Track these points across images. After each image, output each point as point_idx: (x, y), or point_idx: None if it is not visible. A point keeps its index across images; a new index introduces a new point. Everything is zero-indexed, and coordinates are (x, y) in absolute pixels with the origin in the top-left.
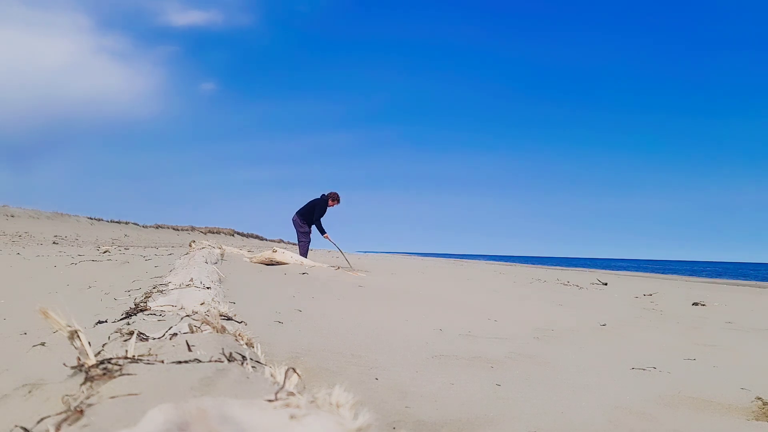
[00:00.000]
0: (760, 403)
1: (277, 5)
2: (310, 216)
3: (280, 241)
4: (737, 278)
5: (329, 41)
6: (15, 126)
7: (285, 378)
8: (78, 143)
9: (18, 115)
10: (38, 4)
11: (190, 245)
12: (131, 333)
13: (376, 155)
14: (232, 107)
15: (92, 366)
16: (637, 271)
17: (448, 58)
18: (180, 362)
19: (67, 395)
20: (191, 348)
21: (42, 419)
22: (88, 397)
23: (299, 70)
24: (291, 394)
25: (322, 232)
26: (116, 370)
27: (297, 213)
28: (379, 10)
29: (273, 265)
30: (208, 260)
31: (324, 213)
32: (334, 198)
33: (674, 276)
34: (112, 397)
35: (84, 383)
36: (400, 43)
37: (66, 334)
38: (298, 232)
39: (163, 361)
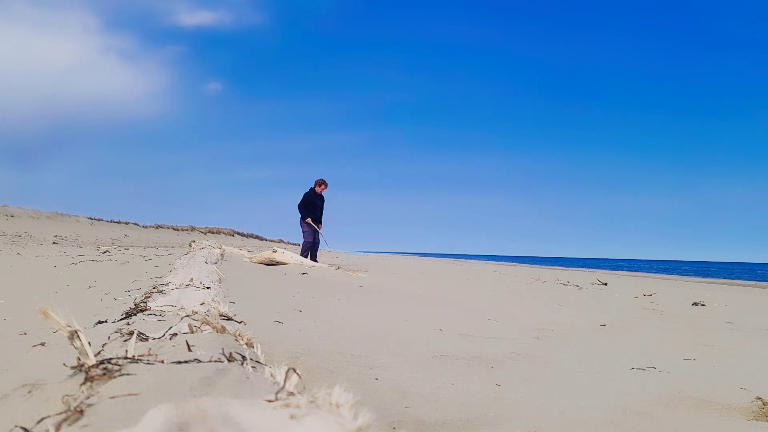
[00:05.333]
0: (760, 403)
1: (285, 5)
2: (311, 212)
3: (280, 241)
4: (736, 278)
5: (336, 41)
6: (21, 126)
7: (285, 378)
8: (82, 143)
9: (24, 114)
10: (46, 4)
11: (190, 245)
12: (131, 333)
13: (376, 156)
14: (236, 107)
15: (92, 366)
16: (637, 271)
17: (451, 58)
18: (180, 362)
19: (67, 395)
20: (191, 348)
21: (42, 419)
22: (88, 397)
23: (304, 69)
24: (291, 394)
25: (304, 217)
26: (116, 370)
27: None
28: (387, 11)
29: (273, 265)
30: (208, 260)
31: (310, 200)
32: (320, 183)
33: (674, 276)
34: (112, 397)
35: (84, 383)
36: (405, 43)
37: (66, 334)
38: (302, 231)
39: (163, 361)
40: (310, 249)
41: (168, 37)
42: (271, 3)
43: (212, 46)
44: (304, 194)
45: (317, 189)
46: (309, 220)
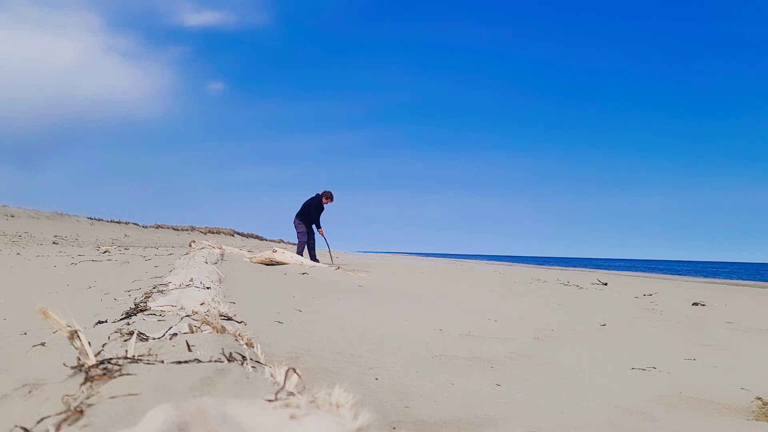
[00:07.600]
0: (760, 403)
1: (289, 6)
2: (306, 215)
3: (280, 241)
4: (736, 278)
5: (338, 42)
6: (22, 126)
7: (285, 378)
8: (82, 143)
9: (25, 114)
10: (49, 4)
11: (190, 245)
12: (131, 333)
13: (377, 156)
14: (237, 107)
15: (92, 366)
16: (637, 271)
17: (453, 58)
18: (180, 362)
19: (67, 395)
20: (191, 348)
21: (42, 419)
22: (88, 397)
23: (307, 70)
24: (291, 394)
25: (318, 226)
26: (116, 370)
27: (296, 215)
28: (389, 11)
29: (273, 265)
30: (208, 260)
31: (321, 211)
32: (328, 196)
33: (674, 276)
34: (112, 397)
35: (84, 383)
36: (406, 44)
37: (66, 334)
38: (297, 232)
39: (163, 361)
40: (310, 249)
41: (171, 38)
42: (275, 4)
43: (215, 46)
44: (314, 205)
45: (324, 200)
46: (322, 231)
